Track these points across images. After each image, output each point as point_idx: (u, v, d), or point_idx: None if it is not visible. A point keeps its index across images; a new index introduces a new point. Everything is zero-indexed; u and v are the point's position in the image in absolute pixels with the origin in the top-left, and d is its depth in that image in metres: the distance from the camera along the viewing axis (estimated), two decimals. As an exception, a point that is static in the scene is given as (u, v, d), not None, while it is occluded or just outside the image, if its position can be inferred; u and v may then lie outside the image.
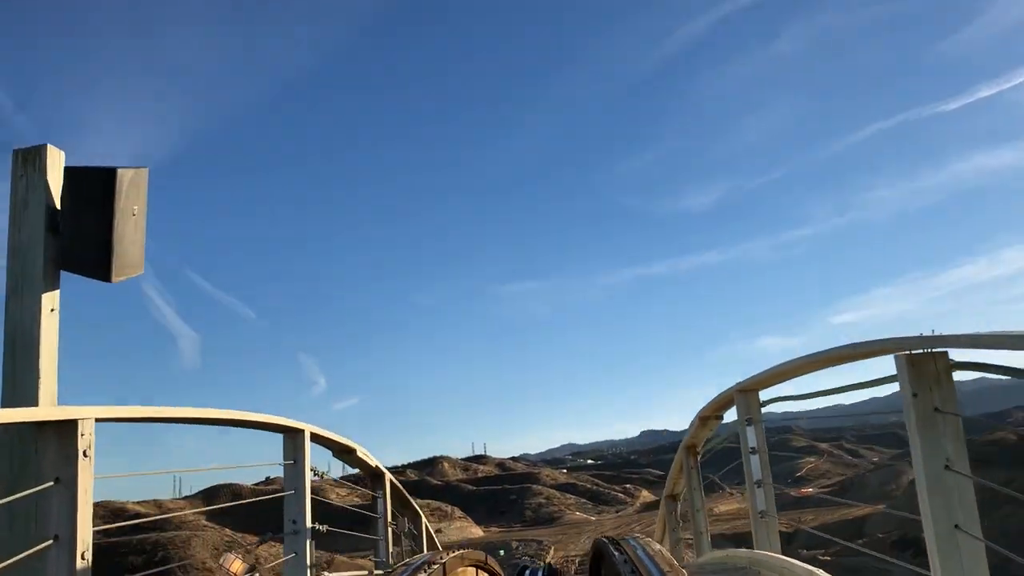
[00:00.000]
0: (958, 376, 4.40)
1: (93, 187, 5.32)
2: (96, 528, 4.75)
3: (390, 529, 10.74)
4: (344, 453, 9.81)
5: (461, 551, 10.12)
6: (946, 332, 4.18)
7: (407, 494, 12.14)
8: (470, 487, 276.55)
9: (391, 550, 10.62)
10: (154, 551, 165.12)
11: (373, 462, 10.52)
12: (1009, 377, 3.90)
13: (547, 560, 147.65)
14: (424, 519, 12.08)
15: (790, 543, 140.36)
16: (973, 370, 4.45)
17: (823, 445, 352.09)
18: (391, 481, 11.07)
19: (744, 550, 7.95)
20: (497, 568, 11.22)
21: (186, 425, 6.28)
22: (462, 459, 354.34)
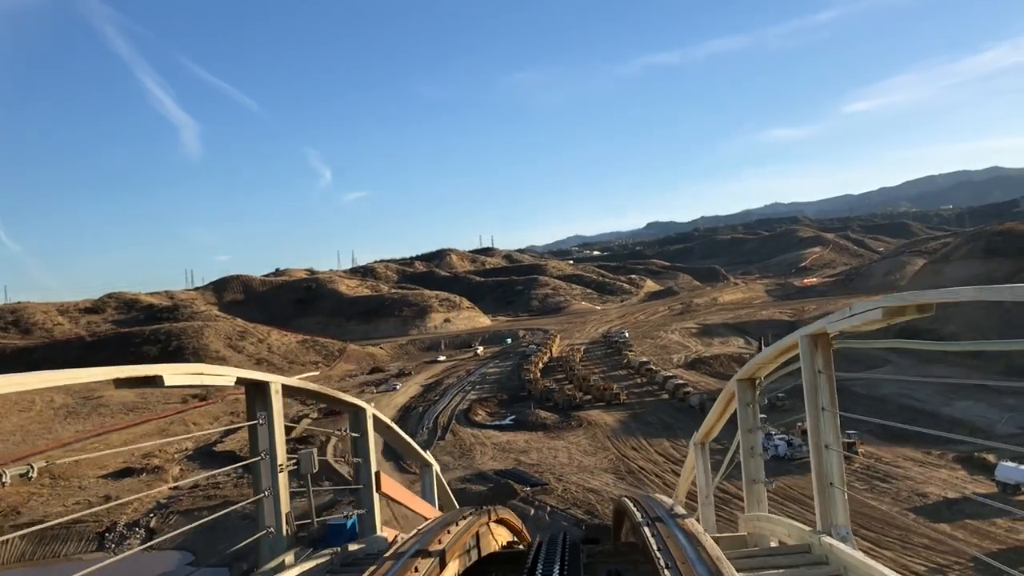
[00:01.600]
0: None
1: None
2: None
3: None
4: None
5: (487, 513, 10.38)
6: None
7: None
8: (478, 278, 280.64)
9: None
10: (168, 341, 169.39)
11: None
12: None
13: (553, 349, 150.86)
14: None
15: (792, 331, 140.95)
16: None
17: (829, 235, 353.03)
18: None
19: (810, 532, 7.18)
20: (526, 533, 12.11)
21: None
22: (470, 251, 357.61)
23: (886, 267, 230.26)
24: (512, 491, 71.44)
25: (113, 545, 74.61)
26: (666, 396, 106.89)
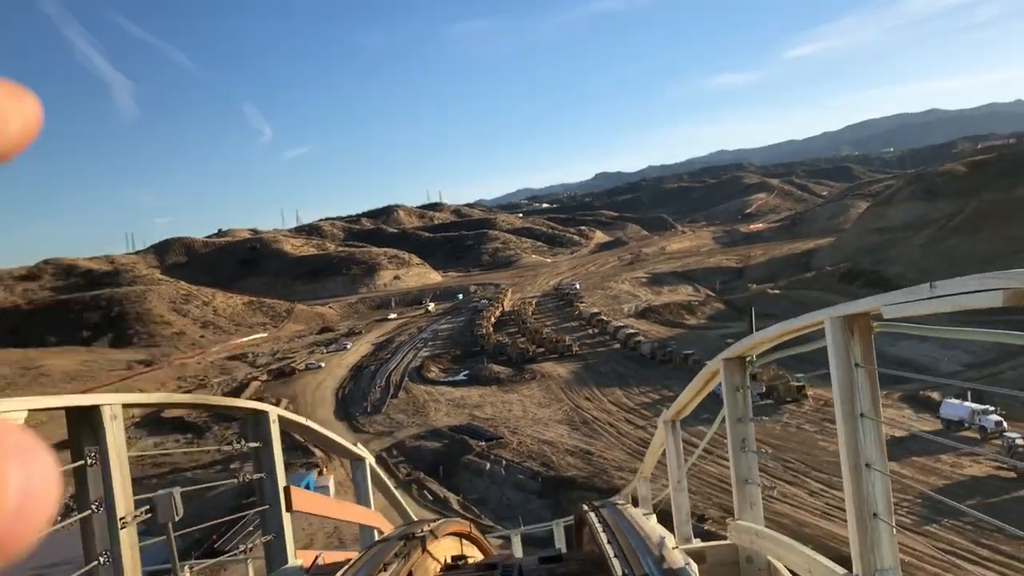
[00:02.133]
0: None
1: None
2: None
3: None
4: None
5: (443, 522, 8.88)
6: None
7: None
8: (427, 234, 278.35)
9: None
10: (110, 307, 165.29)
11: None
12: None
13: (505, 303, 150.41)
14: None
15: (740, 277, 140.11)
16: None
17: (774, 181, 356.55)
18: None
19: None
20: (479, 536, 10.19)
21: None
22: (417, 207, 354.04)
23: (830, 211, 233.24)
24: (467, 447, 71.16)
25: (59, 517, 72.70)
26: (618, 346, 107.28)
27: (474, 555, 9.57)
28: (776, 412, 71.88)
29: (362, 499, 9.26)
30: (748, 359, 7.31)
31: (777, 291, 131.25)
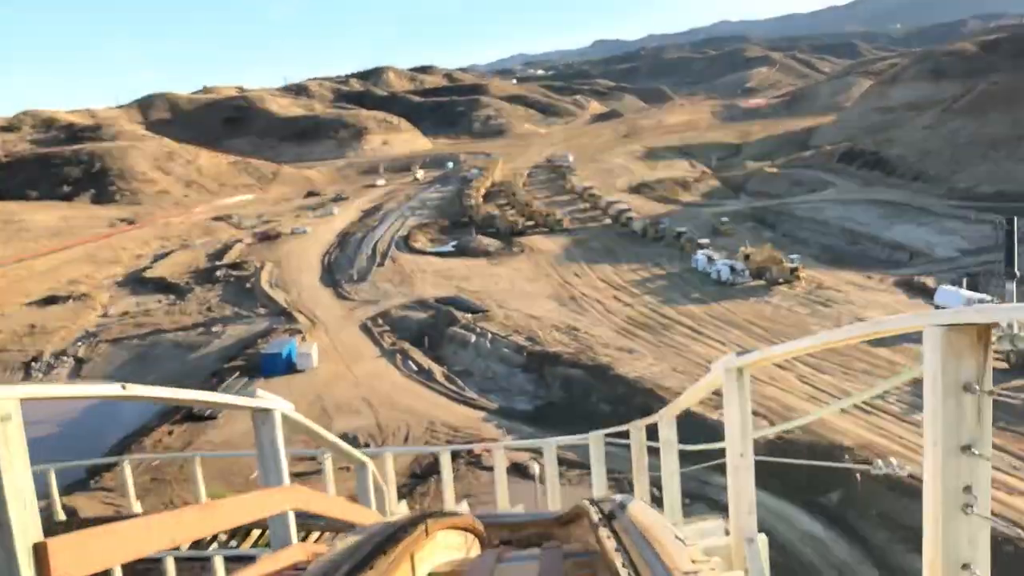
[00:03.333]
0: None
1: None
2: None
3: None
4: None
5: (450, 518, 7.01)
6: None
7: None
8: (417, 98, 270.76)
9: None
10: (91, 162, 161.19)
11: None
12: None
13: (495, 173, 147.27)
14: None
15: (738, 154, 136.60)
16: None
17: (776, 55, 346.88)
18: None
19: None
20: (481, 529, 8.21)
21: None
22: (408, 69, 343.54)
23: (832, 88, 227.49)
24: (453, 318, 70.19)
25: (40, 375, 72.28)
26: (609, 221, 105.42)
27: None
28: (767, 293, 70.89)
29: (363, 500, 8.10)
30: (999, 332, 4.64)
31: (775, 169, 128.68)
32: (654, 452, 8.67)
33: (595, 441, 11.54)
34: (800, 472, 38.79)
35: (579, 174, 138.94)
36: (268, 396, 4.93)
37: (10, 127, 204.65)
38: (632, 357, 58.21)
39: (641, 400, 49.68)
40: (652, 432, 8.85)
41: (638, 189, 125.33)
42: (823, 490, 37.93)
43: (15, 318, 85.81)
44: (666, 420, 8.17)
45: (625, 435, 9.77)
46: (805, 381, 50.70)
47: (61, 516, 13.54)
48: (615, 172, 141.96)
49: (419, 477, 45.82)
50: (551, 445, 12.79)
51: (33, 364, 73.57)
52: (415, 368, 62.33)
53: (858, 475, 35.77)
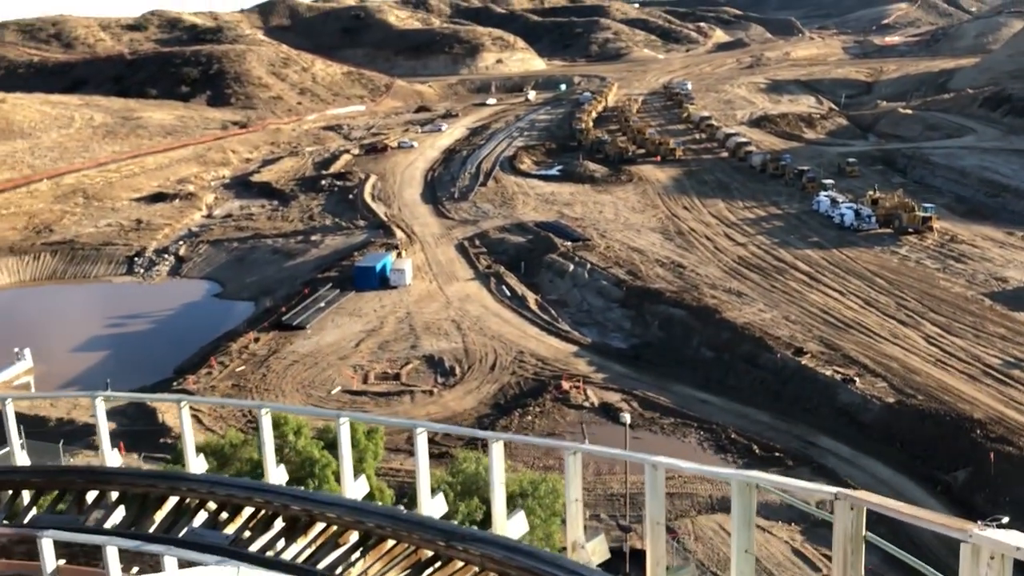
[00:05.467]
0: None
1: None
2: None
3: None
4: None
5: None
6: None
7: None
8: (535, 17, 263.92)
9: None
10: (209, 63, 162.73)
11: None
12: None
13: (608, 98, 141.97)
14: None
15: (868, 92, 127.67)
16: None
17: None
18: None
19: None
20: None
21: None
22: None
23: (978, 28, 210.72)
24: (552, 245, 67.45)
25: (142, 270, 73.20)
26: (726, 154, 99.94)
27: None
28: (894, 243, 65.46)
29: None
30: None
31: (908, 111, 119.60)
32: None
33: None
34: (925, 441, 35.08)
35: (697, 104, 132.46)
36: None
37: (137, 26, 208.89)
38: (741, 301, 54.46)
39: (748, 349, 46.30)
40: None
41: (759, 123, 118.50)
42: (949, 466, 34.05)
43: (123, 212, 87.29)
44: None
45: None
46: (932, 343, 46.10)
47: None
48: (735, 104, 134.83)
49: (502, 408, 43.87)
50: (499, 439, 9.56)
51: (136, 259, 74.58)
52: (508, 293, 60.10)
53: (992, 454, 31.85)
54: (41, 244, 77.85)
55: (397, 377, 48.02)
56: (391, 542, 7.44)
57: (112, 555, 7.14)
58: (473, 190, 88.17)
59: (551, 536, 23.81)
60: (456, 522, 11.58)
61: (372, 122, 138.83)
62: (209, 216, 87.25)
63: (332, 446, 27.80)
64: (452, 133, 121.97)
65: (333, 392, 46.43)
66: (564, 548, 8.44)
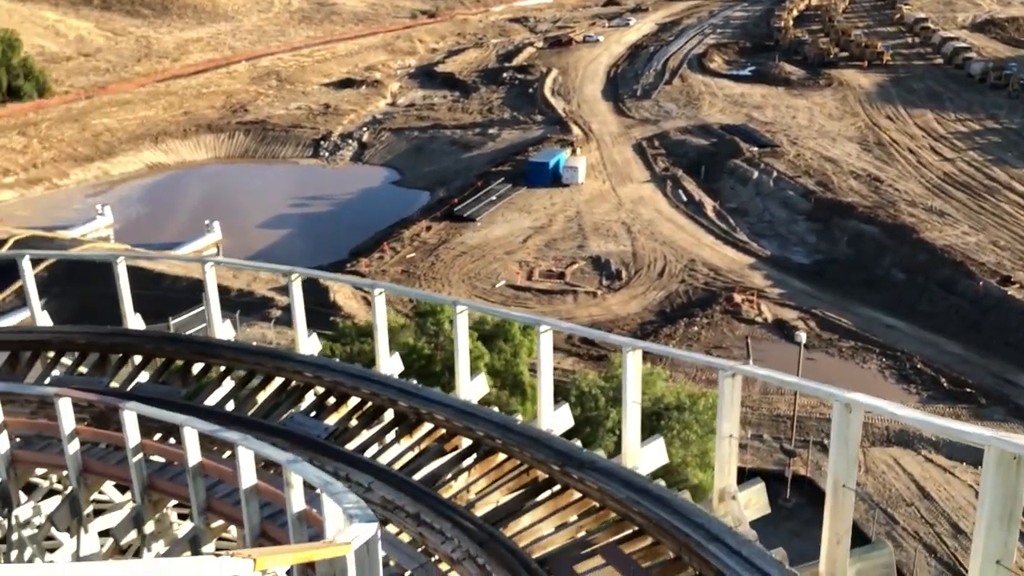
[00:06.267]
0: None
1: None
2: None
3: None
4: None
5: None
6: None
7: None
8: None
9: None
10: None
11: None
12: None
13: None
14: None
15: None
16: None
17: None
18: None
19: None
20: None
21: None
22: None
23: None
24: (736, 149, 63.76)
25: (327, 154, 75.23)
26: (940, 61, 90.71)
27: None
28: None
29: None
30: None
31: None
32: None
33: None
34: None
35: (912, 4, 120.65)
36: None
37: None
38: (943, 221, 49.67)
39: (946, 273, 42.24)
40: None
41: (983, 27, 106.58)
42: None
43: (313, 96, 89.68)
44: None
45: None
46: None
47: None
48: (957, 5, 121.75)
49: (667, 316, 42.24)
50: (635, 348, 8.00)
51: (321, 143, 76.69)
52: (684, 198, 57.50)
53: None
54: (236, 123, 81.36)
55: (561, 276, 47.23)
56: (501, 456, 6.39)
57: (191, 437, 6.51)
58: (657, 88, 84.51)
59: (707, 454, 22.40)
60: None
61: (559, 15, 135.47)
62: (393, 104, 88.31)
63: (488, 337, 27.22)
64: (640, 28, 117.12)
65: (497, 286, 46.20)
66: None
